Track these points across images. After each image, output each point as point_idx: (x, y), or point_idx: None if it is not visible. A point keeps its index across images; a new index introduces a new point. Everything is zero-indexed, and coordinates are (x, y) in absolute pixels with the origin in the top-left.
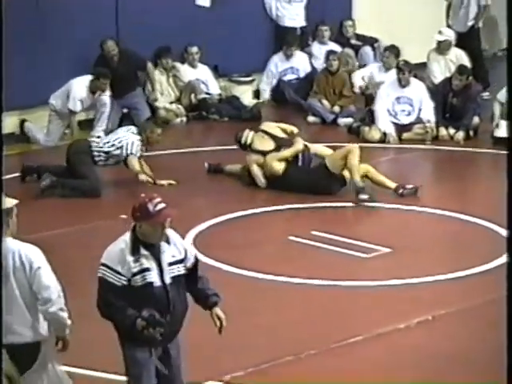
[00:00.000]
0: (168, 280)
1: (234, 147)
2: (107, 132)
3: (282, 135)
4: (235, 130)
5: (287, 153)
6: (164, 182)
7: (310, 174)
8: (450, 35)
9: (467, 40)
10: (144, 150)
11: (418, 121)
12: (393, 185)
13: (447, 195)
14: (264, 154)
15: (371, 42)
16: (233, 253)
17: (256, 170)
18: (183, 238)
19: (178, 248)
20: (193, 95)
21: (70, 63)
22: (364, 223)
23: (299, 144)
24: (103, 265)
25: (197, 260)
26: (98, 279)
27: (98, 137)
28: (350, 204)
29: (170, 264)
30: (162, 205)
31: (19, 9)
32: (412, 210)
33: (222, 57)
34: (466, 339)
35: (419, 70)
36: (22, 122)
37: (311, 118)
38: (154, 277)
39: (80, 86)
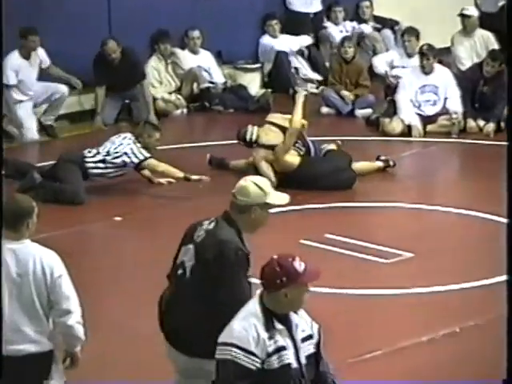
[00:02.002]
0: (303, 360)
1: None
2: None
3: (287, 125)
4: (241, 123)
5: (291, 135)
6: (163, 181)
7: (333, 162)
8: (474, 13)
9: (497, 21)
10: None
11: (444, 111)
12: (378, 163)
13: (475, 194)
14: (273, 148)
15: (391, 24)
16: None
17: (265, 168)
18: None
19: (306, 320)
20: (194, 84)
21: (59, 43)
22: (383, 225)
23: (297, 122)
24: (231, 345)
25: (320, 336)
26: (223, 363)
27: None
28: (368, 204)
29: (303, 340)
30: (303, 262)
31: None
32: (436, 210)
33: (226, 42)
34: (496, 353)
35: (443, 55)
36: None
37: (325, 109)
38: (290, 357)
39: (11, 56)
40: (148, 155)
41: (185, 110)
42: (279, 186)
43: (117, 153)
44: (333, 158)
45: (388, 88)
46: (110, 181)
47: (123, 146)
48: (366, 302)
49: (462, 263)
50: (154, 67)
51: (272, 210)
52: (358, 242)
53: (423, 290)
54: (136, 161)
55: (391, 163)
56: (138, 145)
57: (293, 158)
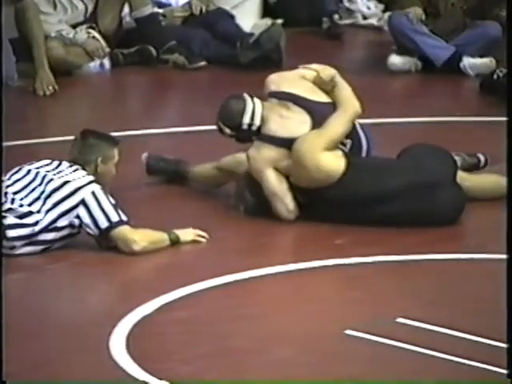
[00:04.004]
0: None
1: (214, 127)
2: None
3: (316, 97)
4: (223, 90)
5: (344, 121)
6: None
7: (416, 170)
8: None
9: None
10: None
11: None
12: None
13: None
14: (288, 145)
15: None
16: (215, 365)
17: (275, 182)
18: (109, 335)
19: None
20: (125, 9)
21: None
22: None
23: (352, 99)
24: None
25: None
26: None
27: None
28: (481, 256)
29: None
30: None
31: None
32: None
33: None
34: None
35: None
36: None
37: (396, 59)
38: None
39: None
40: (125, 218)
41: (106, 63)
42: (302, 215)
43: (61, 204)
44: (416, 159)
45: None
46: None
47: (74, 185)
48: None
49: None
50: None
51: (288, 268)
52: (462, 335)
53: None
54: (104, 225)
55: None
56: (101, 188)
57: (336, 161)
